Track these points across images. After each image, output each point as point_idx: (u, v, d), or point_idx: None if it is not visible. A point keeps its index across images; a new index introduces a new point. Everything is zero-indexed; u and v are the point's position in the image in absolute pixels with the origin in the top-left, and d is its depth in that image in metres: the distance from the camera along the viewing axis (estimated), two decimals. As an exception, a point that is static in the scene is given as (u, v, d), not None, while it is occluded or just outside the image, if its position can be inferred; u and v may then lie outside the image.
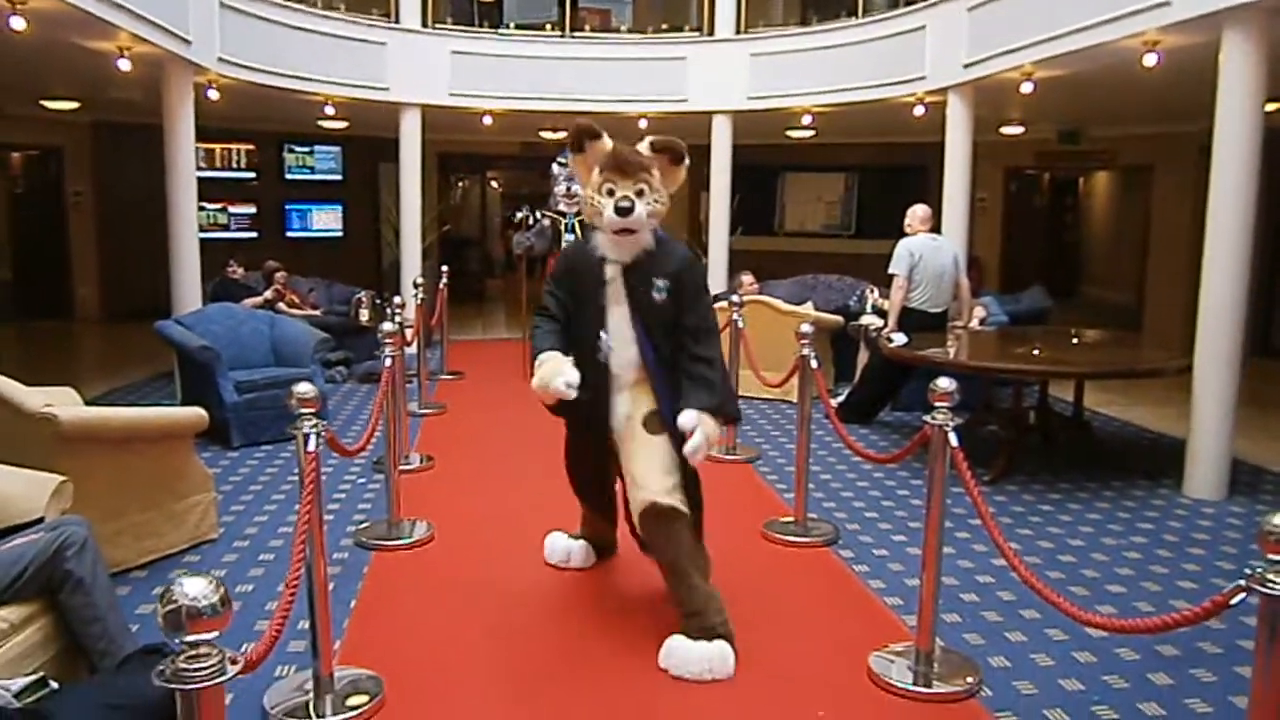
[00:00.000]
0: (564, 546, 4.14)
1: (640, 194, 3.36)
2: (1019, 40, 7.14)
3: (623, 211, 3.33)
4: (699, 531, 3.62)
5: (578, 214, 8.10)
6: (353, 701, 2.96)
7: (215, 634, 1.55)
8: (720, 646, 3.21)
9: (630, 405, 3.50)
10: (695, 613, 3.29)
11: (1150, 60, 6.22)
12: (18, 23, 5.60)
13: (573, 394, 3.29)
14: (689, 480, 3.50)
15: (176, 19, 7.12)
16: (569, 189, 7.88)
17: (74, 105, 10.49)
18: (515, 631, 3.56)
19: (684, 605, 3.33)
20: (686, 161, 3.51)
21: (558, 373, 3.32)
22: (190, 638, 1.53)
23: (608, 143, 3.49)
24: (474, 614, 3.71)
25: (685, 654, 3.20)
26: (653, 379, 3.47)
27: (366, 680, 3.08)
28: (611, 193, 3.37)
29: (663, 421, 3.42)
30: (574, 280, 3.58)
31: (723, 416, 3.48)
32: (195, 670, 1.52)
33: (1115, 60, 6.55)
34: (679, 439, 3.31)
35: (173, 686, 1.52)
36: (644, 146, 3.48)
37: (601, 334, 3.47)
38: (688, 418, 3.25)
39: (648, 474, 3.37)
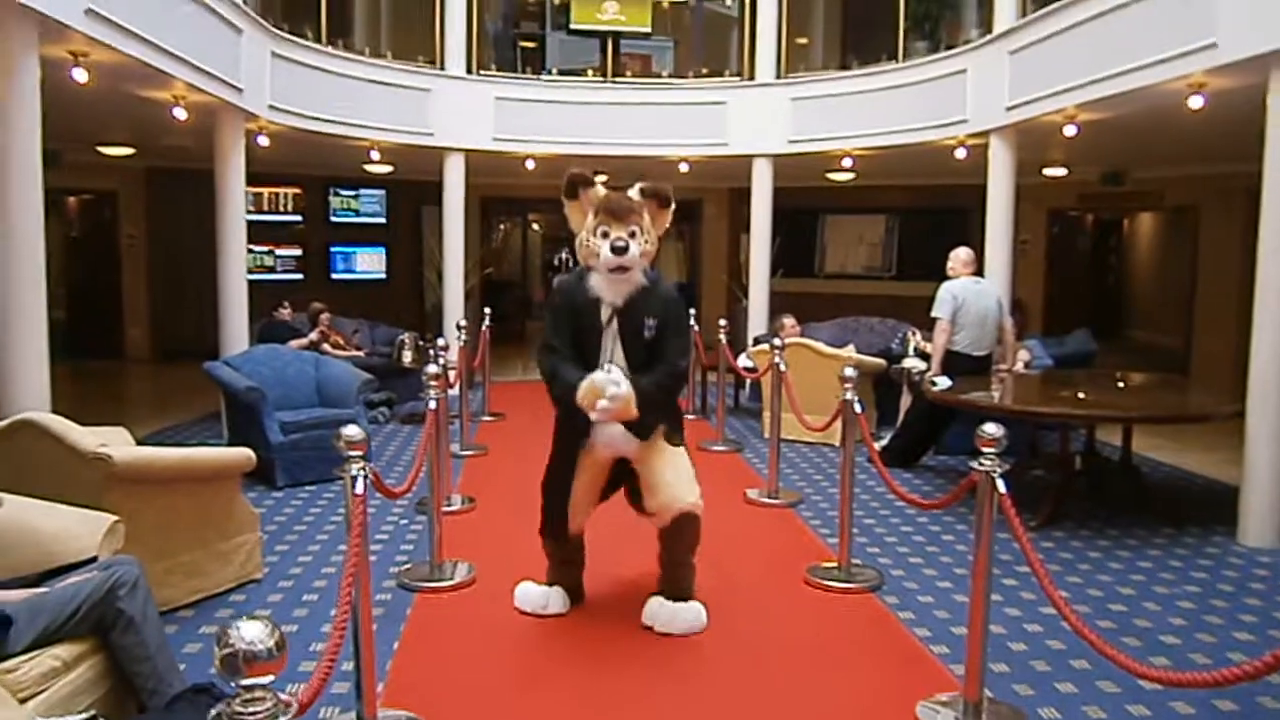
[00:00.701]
0: (540, 593, 4.11)
1: (633, 235, 3.70)
2: (1062, 83, 7.12)
3: (618, 250, 3.65)
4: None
5: None
6: (396, 745, 2.96)
7: (271, 678, 1.56)
8: (696, 606, 3.90)
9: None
10: (681, 584, 3.93)
11: (1196, 102, 6.18)
12: (80, 75, 5.78)
13: (618, 403, 3.56)
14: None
15: (229, 68, 7.32)
16: None
17: (129, 151, 10.79)
18: (557, 674, 3.56)
19: (674, 580, 3.93)
20: (673, 205, 3.86)
21: (609, 381, 3.58)
22: (246, 681, 1.54)
23: (600, 189, 3.81)
24: (516, 657, 3.71)
25: (671, 613, 3.85)
26: None
27: (410, 723, 3.07)
28: (606, 235, 3.69)
29: (676, 435, 3.93)
30: (573, 318, 3.87)
31: (644, 411, 3.69)
32: (251, 714, 1.54)
33: (1160, 102, 6.51)
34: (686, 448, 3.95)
35: (229, 730, 1.54)
36: (634, 192, 3.80)
37: (607, 365, 3.72)
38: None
39: (678, 483, 3.85)
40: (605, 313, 3.78)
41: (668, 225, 3.90)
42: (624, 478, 4.06)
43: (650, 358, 3.78)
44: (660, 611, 3.88)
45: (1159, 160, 10.73)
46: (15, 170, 4.82)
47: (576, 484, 3.96)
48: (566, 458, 4.00)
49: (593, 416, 3.64)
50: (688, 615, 3.88)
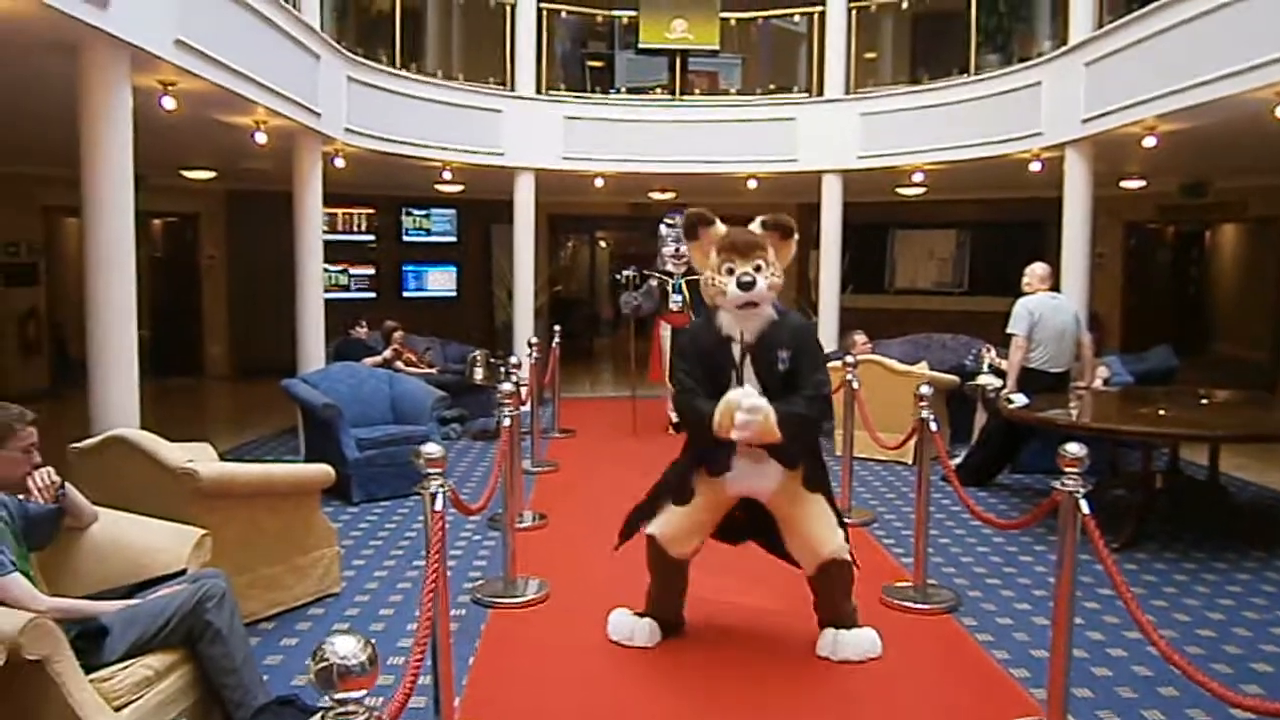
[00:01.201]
0: (628, 624, 4.01)
1: (759, 269, 3.62)
2: (1140, 94, 6.98)
3: (746, 286, 3.58)
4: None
5: (685, 274, 8.22)
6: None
7: (364, 692, 1.59)
8: (868, 633, 3.87)
9: (770, 470, 3.70)
10: (844, 619, 3.88)
11: (1283, 111, 6.02)
12: (169, 103, 5.99)
13: (759, 416, 3.46)
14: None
15: (307, 93, 7.52)
16: (677, 249, 8.10)
17: (210, 175, 11.12)
18: (630, 693, 3.56)
19: (836, 616, 3.88)
20: (796, 236, 3.76)
21: (744, 394, 3.51)
22: (340, 695, 1.57)
23: (721, 227, 3.76)
24: (590, 674, 3.72)
25: (843, 641, 3.81)
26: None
27: (487, 739, 3.10)
28: (731, 271, 3.62)
29: (816, 479, 3.82)
30: (703, 359, 3.77)
31: (787, 435, 3.53)
32: (344, 727, 1.57)
33: (1245, 111, 6.34)
34: (829, 494, 3.86)
35: (324, 742, 1.57)
36: (755, 225, 3.74)
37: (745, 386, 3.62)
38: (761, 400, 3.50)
39: (823, 531, 3.77)
40: (737, 350, 3.69)
41: (793, 255, 3.80)
42: (752, 528, 3.97)
43: (787, 392, 3.63)
44: (828, 640, 3.84)
45: (1242, 170, 10.43)
46: (109, 196, 5.01)
47: (692, 507, 3.83)
48: (681, 477, 3.88)
49: (734, 436, 3.50)
50: (862, 642, 3.83)
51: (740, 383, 3.65)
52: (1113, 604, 4.33)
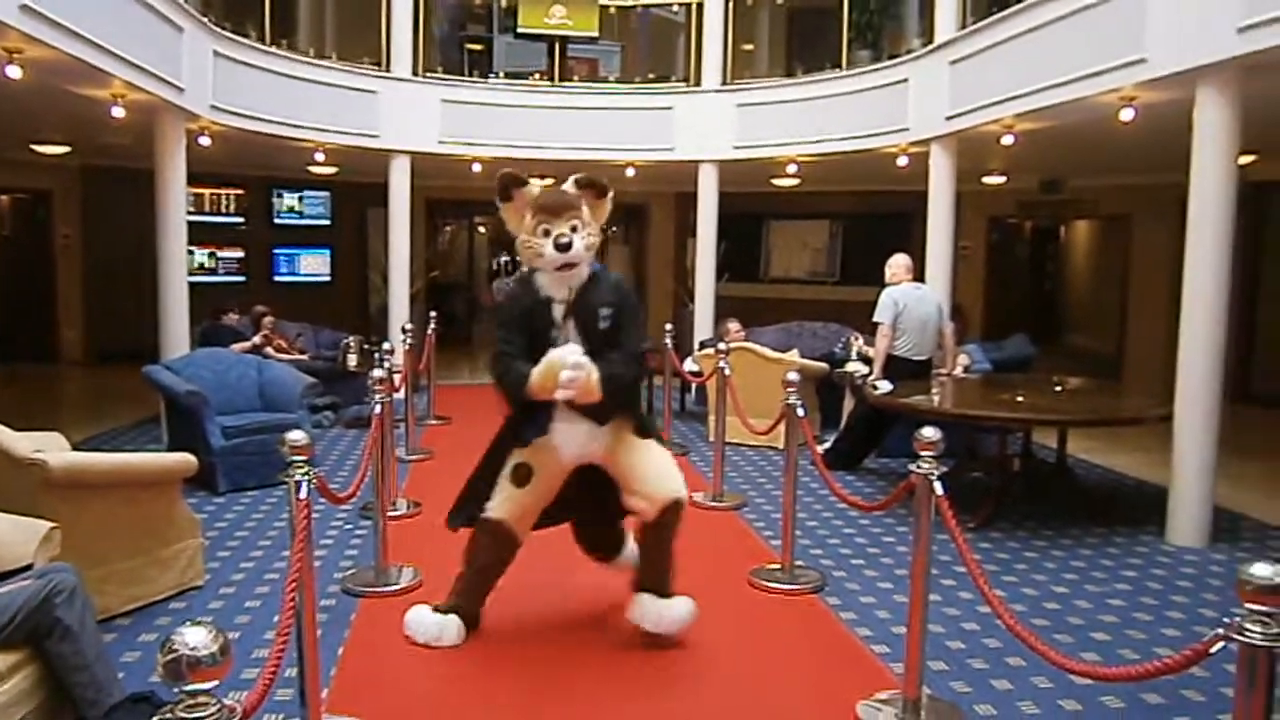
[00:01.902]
0: (435, 623, 3.84)
1: (575, 229, 3.61)
2: (1000, 94, 7.28)
3: (562, 247, 3.57)
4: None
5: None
6: (340, 750, 2.95)
7: (215, 684, 1.56)
8: (685, 601, 3.80)
9: (597, 431, 3.74)
10: (666, 579, 3.82)
11: (1127, 115, 6.37)
12: (14, 71, 5.66)
13: (583, 373, 3.47)
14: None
15: (170, 67, 7.20)
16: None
17: (64, 150, 10.55)
18: (502, 679, 3.56)
19: (658, 575, 3.81)
20: (610, 194, 3.76)
21: (567, 352, 3.50)
22: (190, 687, 1.54)
23: (534, 187, 3.72)
24: (462, 661, 3.70)
25: (661, 609, 3.76)
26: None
27: (354, 729, 3.07)
28: (547, 233, 3.60)
29: (647, 428, 3.89)
30: (524, 322, 3.74)
31: (606, 393, 3.55)
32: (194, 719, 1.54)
33: (1093, 114, 6.69)
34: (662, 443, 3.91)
35: (172, 736, 1.53)
36: (569, 185, 3.73)
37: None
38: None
39: (664, 474, 3.78)
40: (559, 311, 3.67)
41: (608, 214, 3.82)
42: (577, 503, 3.97)
43: (608, 351, 3.63)
44: (650, 608, 3.77)
45: (1094, 170, 11.01)
46: (-53, 169, 4.70)
47: (532, 485, 3.80)
48: (501, 451, 3.87)
49: (558, 396, 3.50)
50: (680, 610, 3.79)
51: (563, 343, 3.62)
52: (968, 581, 4.52)
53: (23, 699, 2.70)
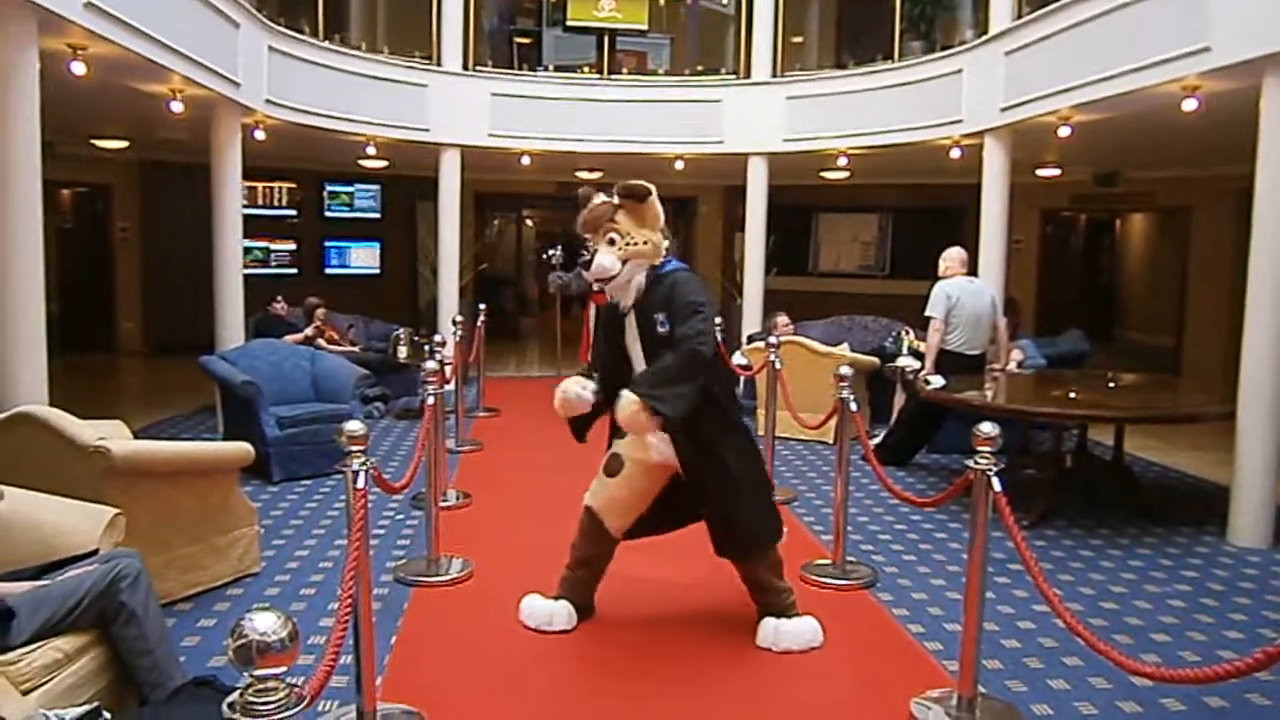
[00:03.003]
0: (546, 609, 3.93)
1: (611, 243, 3.61)
2: (1057, 85, 7.15)
3: (586, 265, 3.70)
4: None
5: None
6: (395, 738, 2.99)
7: (283, 669, 1.58)
8: (808, 622, 3.79)
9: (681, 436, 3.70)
10: (779, 603, 3.82)
11: (1190, 105, 6.22)
12: (78, 67, 5.78)
13: (589, 396, 3.69)
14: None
15: (226, 62, 7.31)
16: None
17: (124, 144, 10.76)
18: (553, 669, 3.58)
19: (770, 602, 3.82)
20: (651, 196, 3.67)
21: (572, 383, 3.72)
22: (259, 672, 1.56)
23: (584, 211, 3.76)
24: (513, 651, 3.73)
25: (781, 631, 3.74)
26: None
27: (409, 716, 3.10)
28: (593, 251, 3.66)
29: (727, 436, 3.77)
30: (607, 330, 3.87)
31: (659, 397, 3.48)
32: (264, 704, 1.56)
33: (1154, 105, 6.55)
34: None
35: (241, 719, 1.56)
36: (607, 197, 3.74)
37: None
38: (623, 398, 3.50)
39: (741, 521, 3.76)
40: (630, 319, 3.73)
41: (659, 215, 3.72)
42: (676, 515, 3.97)
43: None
44: (767, 629, 3.76)
45: (1152, 162, 10.78)
46: (14, 163, 4.81)
47: (623, 477, 3.85)
48: (610, 441, 3.95)
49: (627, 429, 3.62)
50: (796, 630, 3.76)
51: (631, 350, 3.73)
52: (1022, 579, 4.49)
53: (90, 680, 2.76)
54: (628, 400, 3.44)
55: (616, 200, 3.67)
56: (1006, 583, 4.51)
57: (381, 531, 5.22)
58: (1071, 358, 8.22)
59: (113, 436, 3.97)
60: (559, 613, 3.91)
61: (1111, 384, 6.71)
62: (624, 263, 3.60)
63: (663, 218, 3.74)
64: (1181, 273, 11.95)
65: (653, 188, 3.67)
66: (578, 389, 3.70)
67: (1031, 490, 5.72)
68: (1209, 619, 4.20)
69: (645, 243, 3.63)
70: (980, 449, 3.11)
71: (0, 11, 4.69)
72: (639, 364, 3.71)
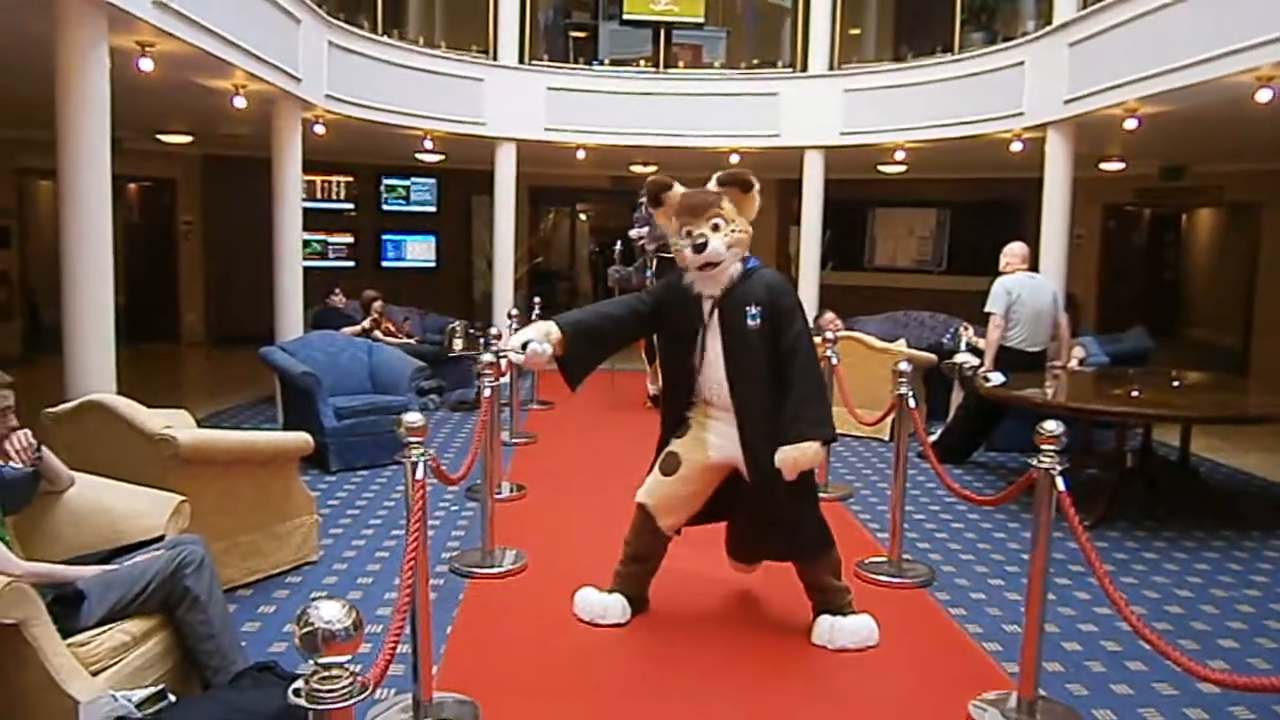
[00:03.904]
0: (599, 602, 3.92)
1: (715, 228, 3.54)
2: (1123, 76, 7.00)
3: (698, 248, 3.51)
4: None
5: (656, 249, 8.25)
6: (451, 727, 3.01)
7: (348, 657, 1.60)
8: (864, 620, 3.73)
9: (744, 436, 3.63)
10: (837, 601, 3.76)
11: (1264, 96, 6.05)
12: (146, 64, 5.91)
13: (517, 357, 3.66)
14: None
15: (288, 58, 7.43)
16: (650, 230, 8.15)
17: (187, 139, 10.99)
18: (606, 662, 3.58)
19: (827, 601, 3.75)
20: (756, 187, 3.61)
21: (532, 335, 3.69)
22: (325, 660, 1.58)
23: (678, 190, 3.69)
24: (566, 644, 3.74)
25: (837, 629, 3.68)
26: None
27: (464, 706, 3.12)
28: (689, 234, 3.55)
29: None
30: (671, 313, 3.77)
31: (811, 438, 3.44)
32: (328, 691, 1.57)
33: (1226, 96, 6.39)
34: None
35: (308, 706, 1.57)
36: (712, 183, 3.65)
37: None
38: (779, 456, 3.44)
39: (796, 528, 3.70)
40: (707, 306, 3.64)
41: (756, 209, 3.66)
42: (731, 506, 3.92)
43: (753, 351, 3.57)
44: (822, 627, 3.71)
45: (1221, 155, 10.51)
46: (85, 159, 4.94)
47: (678, 477, 3.80)
48: (665, 437, 3.91)
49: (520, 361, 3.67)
50: (851, 627, 3.70)
51: (706, 343, 3.64)
52: (1084, 580, 4.40)
53: (155, 663, 2.82)
54: (811, 449, 3.42)
55: (717, 187, 3.62)
56: (1067, 584, 4.43)
57: (437, 522, 5.26)
58: (1135, 355, 8.05)
59: (178, 425, 4.05)
60: (613, 606, 3.90)
61: (1176, 383, 6.55)
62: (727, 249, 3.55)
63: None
64: (1250, 270, 11.64)
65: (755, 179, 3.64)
66: (537, 346, 3.65)
67: (1093, 491, 5.60)
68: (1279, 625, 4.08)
69: (741, 232, 3.59)
70: (1044, 447, 3.05)
71: (71, 10, 4.81)
72: (713, 354, 3.65)
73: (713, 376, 3.67)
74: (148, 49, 5.78)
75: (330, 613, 1.58)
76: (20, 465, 3.00)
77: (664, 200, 3.72)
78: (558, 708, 3.23)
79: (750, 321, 3.55)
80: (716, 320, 3.62)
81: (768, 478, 3.55)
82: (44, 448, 3.10)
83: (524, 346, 3.64)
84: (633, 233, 8.41)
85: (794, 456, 3.41)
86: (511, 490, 5.87)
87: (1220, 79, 6.04)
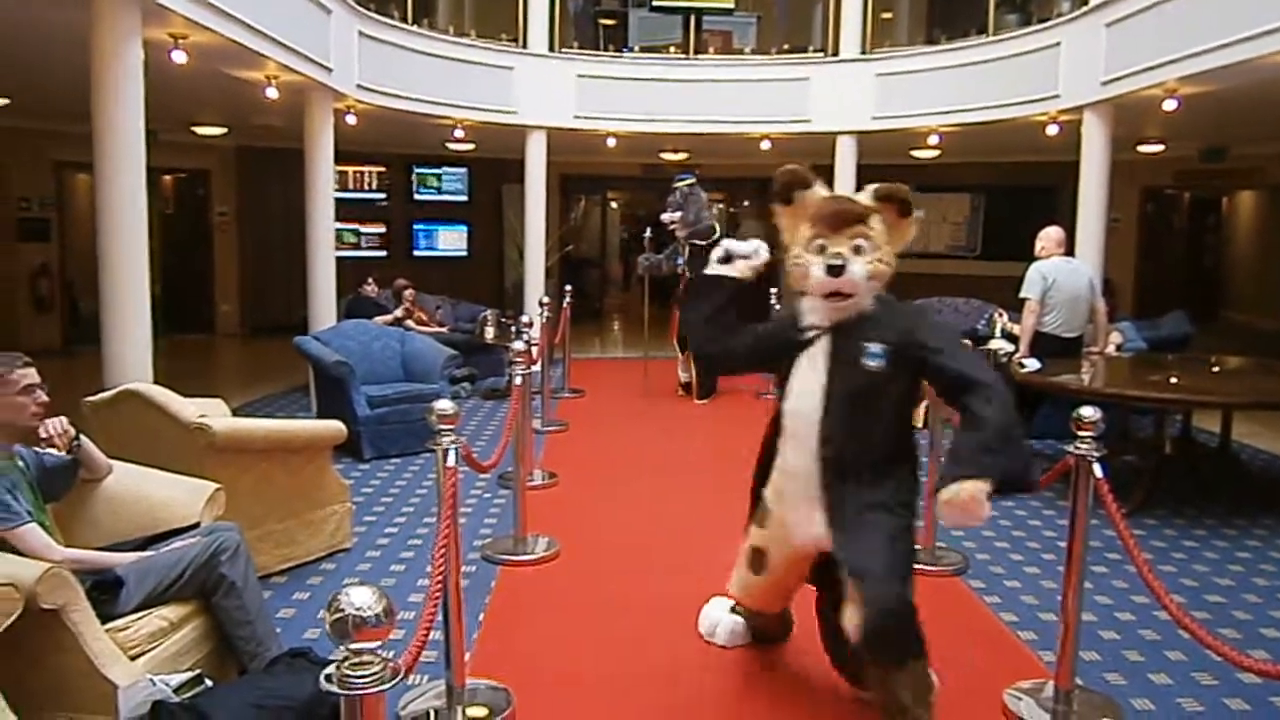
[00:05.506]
0: (714, 618, 3.59)
1: (858, 250, 2.81)
2: (1162, 56, 6.88)
3: (834, 270, 2.78)
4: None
5: (688, 236, 8.22)
6: (483, 713, 3.02)
7: (379, 643, 1.60)
8: None
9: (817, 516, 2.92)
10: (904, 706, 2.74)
11: (1308, 75, 5.93)
12: (179, 56, 5.96)
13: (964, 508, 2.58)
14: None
15: (319, 48, 7.46)
16: (683, 216, 8.11)
17: (221, 130, 11.08)
18: (640, 648, 3.58)
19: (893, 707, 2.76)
20: (915, 213, 2.95)
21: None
22: (356, 645, 1.58)
23: (820, 191, 2.99)
24: (599, 631, 3.74)
25: None
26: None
27: (497, 692, 3.14)
28: (822, 249, 2.83)
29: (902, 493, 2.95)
30: (764, 335, 3.19)
31: (992, 479, 2.58)
32: (360, 677, 1.58)
33: (1267, 76, 6.25)
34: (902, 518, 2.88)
35: (339, 692, 1.58)
36: (865, 195, 2.95)
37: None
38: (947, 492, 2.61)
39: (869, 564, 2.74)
40: (813, 333, 2.92)
41: (910, 239, 2.95)
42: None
43: (870, 395, 2.83)
44: None
45: (1262, 136, 10.31)
46: (121, 151, 4.99)
47: (766, 574, 3.22)
48: (751, 519, 3.29)
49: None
50: None
51: (802, 367, 2.93)
52: (1121, 568, 4.34)
53: (192, 648, 2.85)
54: (979, 491, 2.55)
55: (870, 201, 2.92)
56: (1104, 572, 4.37)
57: (469, 510, 5.29)
58: (1174, 341, 7.91)
59: (213, 414, 4.10)
60: (722, 626, 3.56)
61: (1215, 368, 6.43)
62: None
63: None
64: (1293, 252, 11.43)
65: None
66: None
67: (1131, 477, 5.53)
68: (1323, 614, 4.01)
69: (886, 264, 2.85)
70: (1081, 433, 3.01)
71: (105, 4, 4.86)
72: (807, 387, 2.90)
73: (799, 409, 2.94)
74: (180, 41, 5.83)
75: (360, 599, 1.59)
76: (58, 450, 3.04)
77: (796, 199, 2.98)
78: (590, 695, 3.23)
79: (868, 362, 2.81)
80: (823, 354, 2.89)
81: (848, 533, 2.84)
82: (83, 436, 3.14)
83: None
84: (664, 216, 8.38)
85: (965, 497, 2.56)
86: (543, 478, 5.89)
87: (1262, 58, 5.90)
